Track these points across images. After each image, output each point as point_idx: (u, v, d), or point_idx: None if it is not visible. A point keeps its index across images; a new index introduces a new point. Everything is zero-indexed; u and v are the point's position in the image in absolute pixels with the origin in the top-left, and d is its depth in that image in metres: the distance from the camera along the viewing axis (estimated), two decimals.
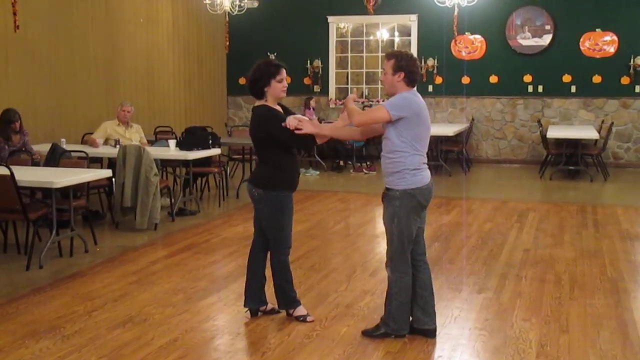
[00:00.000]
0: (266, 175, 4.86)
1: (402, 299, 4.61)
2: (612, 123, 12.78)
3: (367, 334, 4.74)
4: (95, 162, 8.97)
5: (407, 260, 4.60)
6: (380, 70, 10.50)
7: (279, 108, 4.86)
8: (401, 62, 4.49)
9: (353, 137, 5.08)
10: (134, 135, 9.38)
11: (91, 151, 8.46)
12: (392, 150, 4.50)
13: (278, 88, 4.79)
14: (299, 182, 4.98)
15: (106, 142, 9.17)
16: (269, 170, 4.85)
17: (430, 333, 4.70)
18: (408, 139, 4.45)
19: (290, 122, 4.66)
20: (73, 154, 8.06)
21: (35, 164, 7.82)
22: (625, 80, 13.41)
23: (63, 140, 8.77)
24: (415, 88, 4.58)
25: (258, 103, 4.86)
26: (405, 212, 4.50)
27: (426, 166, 4.59)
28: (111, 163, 8.67)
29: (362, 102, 14.40)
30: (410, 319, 4.71)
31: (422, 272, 4.70)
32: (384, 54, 4.71)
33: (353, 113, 4.60)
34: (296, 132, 4.64)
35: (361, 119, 4.60)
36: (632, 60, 13.25)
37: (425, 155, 4.58)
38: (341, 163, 13.29)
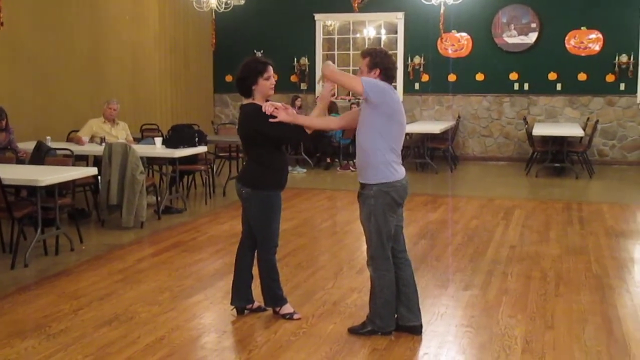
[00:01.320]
0: (255, 173, 4.85)
1: (387, 297, 4.62)
2: (598, 120, 12.86)
3: (354, 331, 4.74)
4: (80, 160, 8.92)
5: (388, 258, 4.62)
6: None
7: None
8: (376, 59, 4.51)
9: (329, 127, 5.11)
10: (120, 133, 9.34)
11: (77, 149, 8.42)
12: (365, 144, 4.53)
13: (266, 86, 4.79)
14: (287, 180, 4.98)
15: (92, 140, 9.11)
16: (257, 169, 4.84)
17: (415, 330, 4.72)
18: (381, 134, 4.47)
19: (267, 107, 4.68)
20: (58, 151, 8.01)
21: (20, 162, 7.77)
22: (610, 78, 13.49)
23: (48, 138, 8.72)
24: (392, 85, 4.60)
25: (246, 101, 4.85)
26: (381, 209, 4.52)
27: (399, 164, 4.60)
28: (97, 161, 8.63)
29: (349, 100, 14.42)
30: (395, 316, 4.72)
31: (403, 270, 4.71)
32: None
33: (329, 67, 4.59)
34: (270, 120, 4.65)
35: (334, 75, 4.58)
36: (617, 58, 13.33)
37: (399, 154, 4.60)
38: (328, 160, 13.31)
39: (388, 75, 4.54)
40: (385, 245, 4.58)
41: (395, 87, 4.67)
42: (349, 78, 4.59)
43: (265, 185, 4.83)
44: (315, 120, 4.86)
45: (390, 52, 4.69)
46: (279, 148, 4.88)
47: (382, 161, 4.49)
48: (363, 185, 4.61)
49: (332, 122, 5.30)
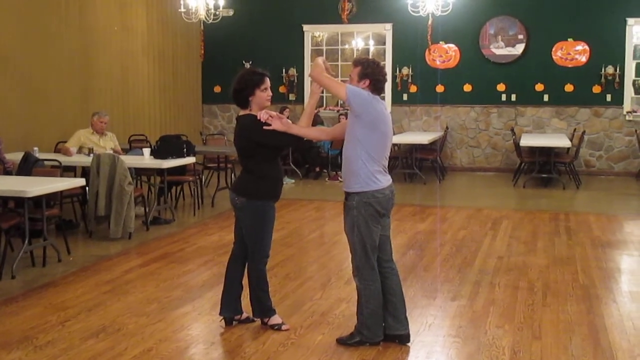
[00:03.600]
0: (250, 184, 4.87)
1: (373, 307, 4.63)
2: (584, 131, 12.94)
3: (342, 342, 4.75)
4: (68, 170, 8.88)
5: (374, 268, 4.63)
6: None
7: None
8: (367, 69, 4.55)
9: (320, 138, 5.18)
10: (108, 144, 9.31)
11: (65, 160, 8.38)
12: (348, 153, 4.56)
13: (263, 97, 4.82)
14: (281, 191, 5.00)
15: (80, 151, 9.10)
16: (252, 179, 4.86)
17: (403, 338, 4.73)
18: (362, 143, 4.50)
19: (262, 115, 4.73)
20: (46, 162, 7.98)
21: (7, 172, 7.74)
22: (596, 89, 13.59)
23: (36, 148, 8.68)
24: (379, 96, 4.64)
25: (243, 112, 4.88)
26: (364, 220, 4.54)
27: (384, 173, 4.62)
28: (85, 172, 8.61)
29: (338, 111, 14.46)
30: (383, 325, 4.73)
31: (389, 279, 4.73)
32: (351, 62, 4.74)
33: (317, 68, 4.60)
34: (264, 127, 4.68)
35: (321, 78, 4.58)
36: (603, 69, 13.44)
37: (383, 163, 4.61)
38: (317, 169, 13.33)
39: (377, 87, 4.58)
40: (370, 256, 4.60)
41: (383, 99, 4.70)
42: (334, 83, 4.60)
43: (260, 195, 4.85)
44: (308, 130, 4.88)
45: (381, 63, 4.72)
46: (274, 159, 4.92)
47: (363, 170, 4.52)
48: (347, 195, 4.65)
49: (323, 133, 5.33)
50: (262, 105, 4.85)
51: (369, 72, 4.55)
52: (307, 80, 14.91)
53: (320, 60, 4.67)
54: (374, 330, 4.66)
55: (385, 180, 4.61)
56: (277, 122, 4.72)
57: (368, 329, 4.66)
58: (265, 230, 4.91)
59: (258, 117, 4.74)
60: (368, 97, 4.50)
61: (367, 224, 4.55)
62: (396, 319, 4.72)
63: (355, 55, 15.04)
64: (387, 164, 4.67)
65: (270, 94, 4.88)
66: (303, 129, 4.83)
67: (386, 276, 4.71)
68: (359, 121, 4.49)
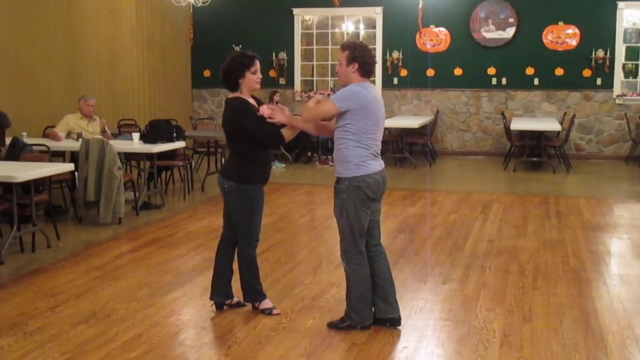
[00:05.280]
0: (238, 167, 4.84)
1: (362, 291, 4.64)
2: (574, 115, 12.95)
3: (333, 326, 4.75)
4: (57, 156, 8.84)
5: (361, 252, 4.63)
6: None
7: (253, 101, 4.85)
8: (355, 52, 4.53)
9: (320, 133, 5.13)
10: (97, 129, 9.26)
11: (53, 145, 8.33)
12: (340, 140, 4.55)
13: (252, 80, 4.79)
14: (270, 175, 4.98)
15: (68, 136, 9.03)
16: (240, 163, 4.83)
17: (394, 322, 4.73)
18: (354, 130, 4.48)
19: (264, 110, 4.69)
20: (34, 147, 7.93)
21: None
22: (587, 72, 13.59)
23: (24, 134, 8.61)
24: (369, 79, 4.63)
25: (232, 95, 4.84)
26: (353, 204, 4.53)
27: (375, 158, 4.60)
28: (74, 157, 8.56)
29: (329, 95, 14.41)
30: (373, 309, 4.73)
31: (378, 262, 4.73)
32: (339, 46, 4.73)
33: (305, 109, 4.66)
34: (268, 120, 4.66)
35: (310, 114, 4.63)
36: (593, 53, 13.43)
37: (375, 149, 4.59)
38: (309, 154, 13.31)
39: (366, 70, 4.56)
40: (358, 240, 4.59)
41: (373, 82, 4.68)
42: (321, 108, 4.59)
43: (248, 179, 4.82)
44: (310, 126, 4.81)
45: (369, 47, 4.69)
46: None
47: (354, 156, 4.50)
48: (338, 179, 4.63)
49: (317, 129, 5.24)
50: (252, 88, 4.81)
51: (357, 55, 4.52)
52: (297, 65, 14.92)
53: (310, 102, 4.67)
54: (363, 315, 4.66)
55: (377, 165, 4.59)
56: (279, 114, 4.69)
57: (357, 313, 4.66)
58: (255, 214, 4.89)
59: (260, 113, 4.69)
60: (355, 91, 4.48)
61: (355, 207, 4.53)
62: (386, 302, 4.72)
63: (345, 39, 14.97)
64: (379, 149, 4.64)
65: (260, 76, 4.85)
66: (305, 123, 4.78)
67: (374, 259, 4.71)
68: (353, 114, 4.46)
